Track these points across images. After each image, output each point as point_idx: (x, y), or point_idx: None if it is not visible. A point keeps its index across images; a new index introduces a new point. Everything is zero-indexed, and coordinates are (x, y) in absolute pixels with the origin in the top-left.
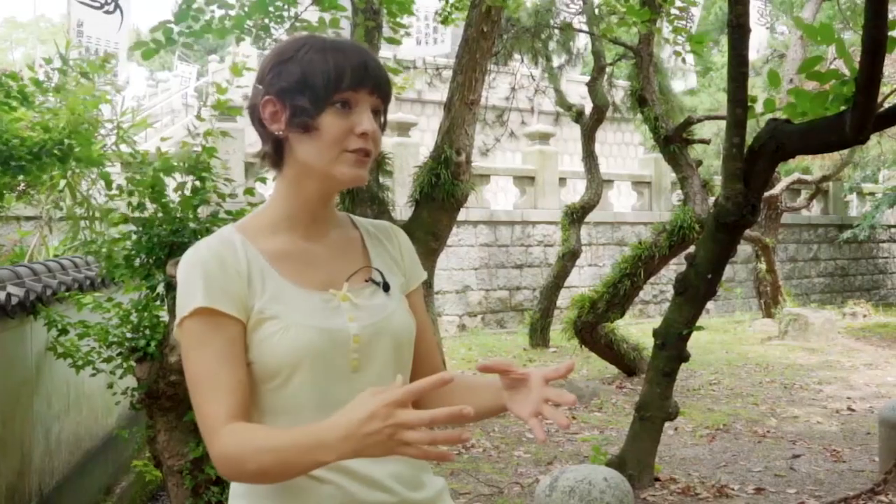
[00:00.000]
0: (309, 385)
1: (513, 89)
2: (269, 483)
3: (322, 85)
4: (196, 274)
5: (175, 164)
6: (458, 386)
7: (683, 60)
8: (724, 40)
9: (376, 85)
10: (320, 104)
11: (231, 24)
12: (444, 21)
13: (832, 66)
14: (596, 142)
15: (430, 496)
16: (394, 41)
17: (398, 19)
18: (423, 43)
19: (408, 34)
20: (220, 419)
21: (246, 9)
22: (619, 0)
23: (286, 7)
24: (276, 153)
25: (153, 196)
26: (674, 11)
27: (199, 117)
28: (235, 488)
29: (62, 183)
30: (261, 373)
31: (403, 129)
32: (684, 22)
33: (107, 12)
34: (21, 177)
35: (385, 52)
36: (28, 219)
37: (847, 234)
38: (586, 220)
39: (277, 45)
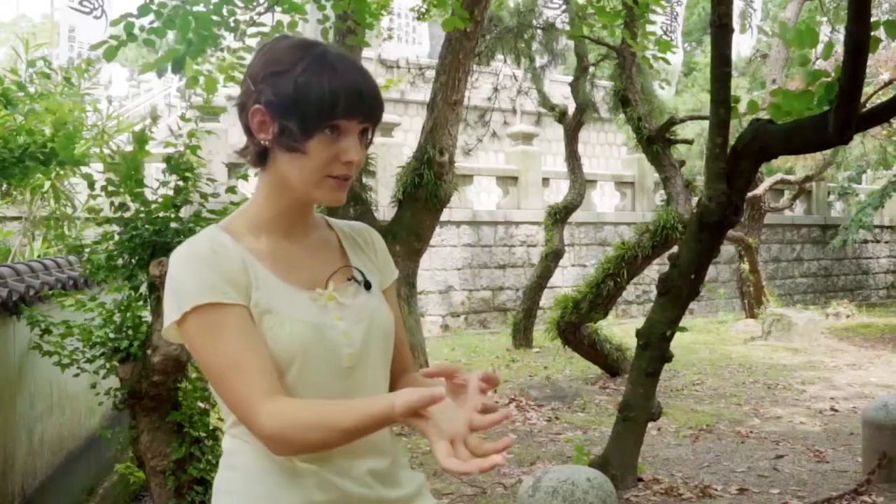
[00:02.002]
0: (303, 380)
1: (495, 89)
2: (323, 450)
3: (314, 111)
4: (193, 268)
5: (148, 137)
6: (423, 386)
7: (650, 66)
8: (707, 40)
9: (369, 114)
10: (310, 130)
11: (194, 18)
12: (421, 17)
13: (817, 66)
14: (579, 142)
15: (406, 494)
16: (363, 43)
17: (368, 20)
18: (403, 41)
19: (390, 36)
20: (257, 399)
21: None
22: (593, 2)
23: (243, 10)
24: (259, 158)
25: (132, 187)
26: (653, 17)
27: (183, 118)
28: (220, 484)
29: (46, 184)
30: None
31: (386, 129)
32: (668, 22)
33: (95, 17)
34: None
35: (368, 53)
36: (11, 219)
37: (838, 240)
38: (569, 220)
39: (273, 46)
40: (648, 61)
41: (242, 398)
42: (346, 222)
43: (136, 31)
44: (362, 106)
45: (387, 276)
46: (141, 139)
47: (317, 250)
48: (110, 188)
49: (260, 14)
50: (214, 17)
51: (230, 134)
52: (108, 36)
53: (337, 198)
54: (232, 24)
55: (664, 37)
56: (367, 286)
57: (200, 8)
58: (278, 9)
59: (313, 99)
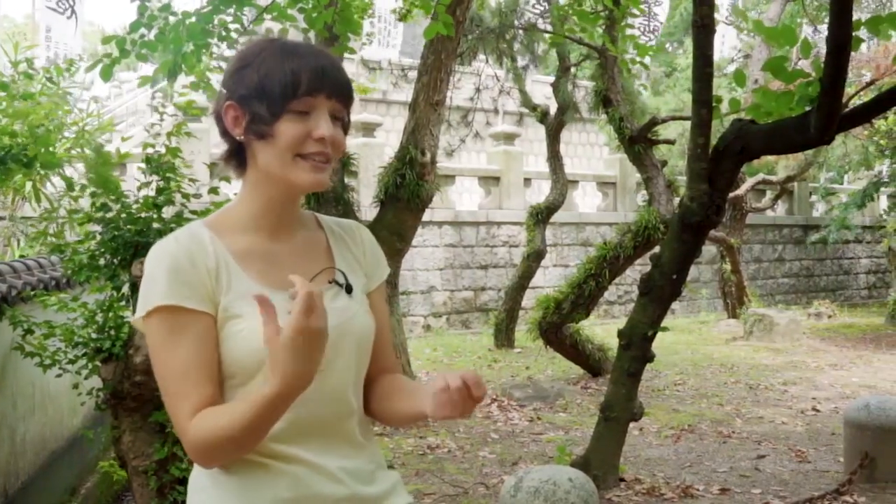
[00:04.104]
0: None
1: (477, 90)
2: (244, 453)
3: (278, 92)
4: (164, 269)
5: (112, 158)
6: (399, 387)
7: (629, 70)
8: (688, 41)
9: (334, 89)
10: (277, 111)
11: (186, 33)
12: (403, 18)
13: (797, 66)
14: (561, 142)
15: (382, 490)
16: (348, 50)
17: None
18: (382, 45)
19: (370, 41)
20: (187, 416)
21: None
22: (574, 4)
23: (233, 20)
24: (238, 157)
25: (109, 193)
26: (635, 21)
27: (155, 108)
28: (194, 482)
29: (28, 185)
30: (223, 370)
31: (368, 129)
32: (647, 23)
33: (68, 17)
34: None
35: (349, 53)
36: None
37: (816, 236)
38: (551, 220)
39: (240, 48)
40: (627, 65)
41: (178, 412)
42: (337, 220)
43: (127, 45)
44: (326, 81)
45: (375, 277)
46: (106, 160)
47: (301, 251)
48: (90, 190)
49: (250, 22)
50: (208, 27)
51: (212, 134)
52: (102, 54)
53: (316, 179)
54: (223, 33)
55: (642, 38)
56: (349, 290)
57: (192, 21)
58: (268, 16)
59: (276, 81)
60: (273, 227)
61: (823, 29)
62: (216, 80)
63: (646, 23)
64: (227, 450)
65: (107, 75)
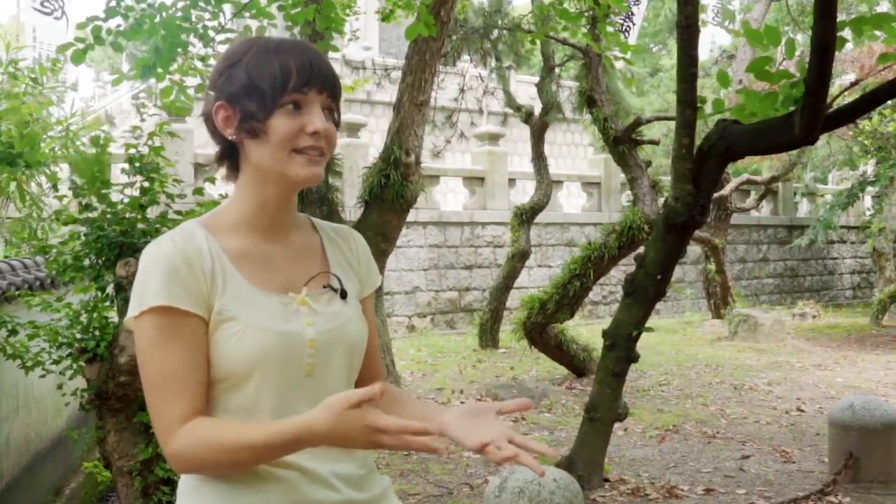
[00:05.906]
0: (262, 387)
1: (462, 90)
2: (235, 472)
3: (269, 88)
4: (159, 269)
5: (107, 156)
6: (393, 396)
7: (612, 66)
8: (672, 42)
9: (324, 83)
10: (269, 107)
11: (162, 24)
12: (386, 19)
13: (781, 67)
14: (545, 142)
15: (373, 496)
16: (331, 48)
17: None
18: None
19: (356, 37)
20: (176, 420)
21: (178, 11)
22: (555, 4)
23: (211, 16)
24: (231, 157)
25: (98, 189)
26: (616, 19)
27: (137, 108)
28: (183, 486)
29: (12, 185)
30: (215, 373)
31: (353, 129)
32: (622, 22)
33: (56, 18)
34: None
35: (331, 53)
36: None
37: (802, 239)
38: (536, 220)
39: (227, 48)
40: (610, 61)
41: (162, 415)
42: (332, 224)
43: (103, 34)
44: (316, 75)
45: (368, 284)
46: (97, 142)
47: (296, 253)
48: (76, 189)
49: (229, 20)
50: (184, 24)
51: (196, 135)
52: (75, 38)
53: (312, 172)
54: (201, 31)
55: (621, 37)
56: (343, 295)
57: (170, 13)
58: (246, 14)
59: (266, 77)
60: (267, 228)
61: (806, 31)
62: (191, 81)
63: (621, 22)
64: (219, 465)
65: (78, 59)
